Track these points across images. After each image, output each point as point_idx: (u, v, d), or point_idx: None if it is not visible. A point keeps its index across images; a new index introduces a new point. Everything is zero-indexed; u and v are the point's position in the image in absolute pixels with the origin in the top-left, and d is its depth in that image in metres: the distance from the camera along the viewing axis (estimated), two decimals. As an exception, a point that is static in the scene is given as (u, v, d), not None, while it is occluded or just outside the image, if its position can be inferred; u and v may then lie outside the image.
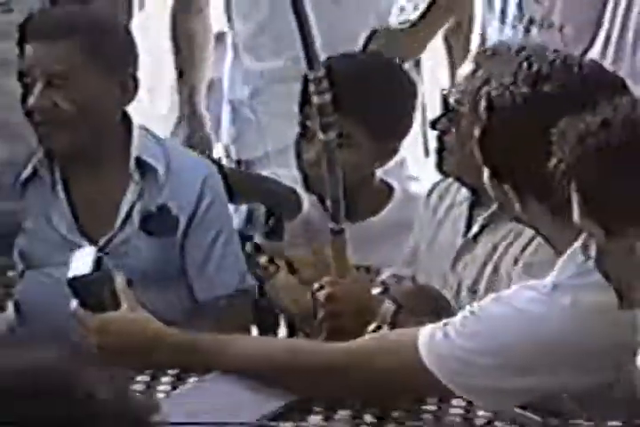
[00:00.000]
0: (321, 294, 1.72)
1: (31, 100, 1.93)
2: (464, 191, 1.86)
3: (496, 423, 1.56)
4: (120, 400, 1.05)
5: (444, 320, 1.55)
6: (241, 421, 1.56)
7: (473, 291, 1.82)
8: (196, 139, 2.70)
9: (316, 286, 1.74)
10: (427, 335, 1.55)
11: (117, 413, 1.04)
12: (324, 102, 1.63)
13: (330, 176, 1.68)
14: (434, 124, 1.78)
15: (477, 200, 1.84)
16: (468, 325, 1.49)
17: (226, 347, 1.60)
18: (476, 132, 1.59)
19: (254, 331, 2.12)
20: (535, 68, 1.59)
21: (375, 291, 1.77)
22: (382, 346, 1.59)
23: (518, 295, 1.51)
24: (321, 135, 1.65)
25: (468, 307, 1.55)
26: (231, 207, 2.12)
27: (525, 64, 1.61)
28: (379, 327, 1.74)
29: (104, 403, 1.04)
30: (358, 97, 1.99)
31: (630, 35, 2.55)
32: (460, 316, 1.52)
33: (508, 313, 1.48)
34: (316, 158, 1.91)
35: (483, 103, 1.57)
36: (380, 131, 2.07)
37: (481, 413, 1.55)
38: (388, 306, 1.73)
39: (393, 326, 1.74)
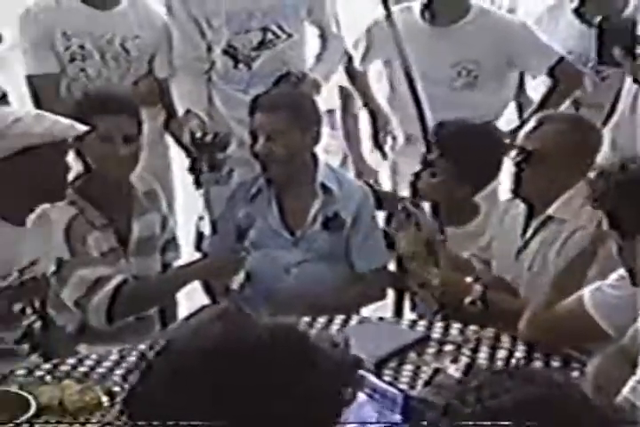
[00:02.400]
0: (433, 277, 2.55)
1: (257, 147, 2.91)
2: (522, 206, 2.67)
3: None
4: (337, 352, 1.31)
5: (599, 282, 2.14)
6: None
7: (531, 273, 2.58)
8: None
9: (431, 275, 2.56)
10: (589, 292, 2.14)
11: (336, 362, 1.28)
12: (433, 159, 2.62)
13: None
14: (519, 165, 2.57)
15: (531, 212, 2.66)
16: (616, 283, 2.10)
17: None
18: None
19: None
20: None
21: (469, 279, 2.55)
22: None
23: None
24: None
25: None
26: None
27: None
28: (472, 302, 2.51)
29: (325, 352, 1.29)
30: (460, 158, 2.87)
31: None
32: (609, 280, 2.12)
33: None
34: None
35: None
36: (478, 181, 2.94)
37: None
38: (478, 288, 2.53)
39: (482, 301, 2.49)
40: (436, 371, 2.19)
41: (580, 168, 2.53)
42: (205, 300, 3.11)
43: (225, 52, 3.36)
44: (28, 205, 2.46)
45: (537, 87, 3.64)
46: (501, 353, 2.32)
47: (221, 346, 1.25)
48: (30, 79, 3.37)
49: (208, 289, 3.09)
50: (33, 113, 2.46)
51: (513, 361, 2.26)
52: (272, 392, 1.21)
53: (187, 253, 3.13)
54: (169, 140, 3.56)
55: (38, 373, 2.21)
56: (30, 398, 1.81)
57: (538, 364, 2.24)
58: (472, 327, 2.44)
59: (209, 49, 3.36)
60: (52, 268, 2.61)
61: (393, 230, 2.91)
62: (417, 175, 2.98)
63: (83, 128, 2.43)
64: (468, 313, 2.47)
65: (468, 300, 2.48)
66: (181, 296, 3.02)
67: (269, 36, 3.35)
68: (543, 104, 3.46)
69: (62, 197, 2.52)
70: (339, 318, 2.53)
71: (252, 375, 1.21)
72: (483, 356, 2.32)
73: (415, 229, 2.75)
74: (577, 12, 3.61)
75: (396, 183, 3.61)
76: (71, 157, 2.55)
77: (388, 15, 3.26)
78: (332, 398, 1.27)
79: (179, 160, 3.49)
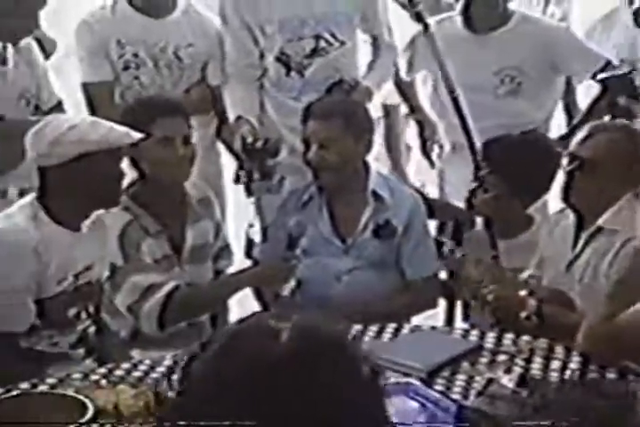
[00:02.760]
0: (487, 293, 2.50)
1: (309, 155, 2.92)
2: (572, 217, 2.61)
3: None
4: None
5: None
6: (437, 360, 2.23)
7: (582, 285, 2.54)
8: None
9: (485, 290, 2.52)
10: None
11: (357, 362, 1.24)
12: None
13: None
14: (571, 173, 2.54)
15: (580, 223, 2.60)
16: None
17: None
18: None
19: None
20: None
21: (522, 292, 2.50)
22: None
23: None
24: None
25: None
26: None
27: None
28: (528, 317, 2.46)
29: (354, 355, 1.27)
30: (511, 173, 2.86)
31: None
32: None
33: None
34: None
35: None
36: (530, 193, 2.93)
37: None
38: (533, 302, 2.47)
39: (538, 315, 2.44)
40: (490, 381, 2.17)
41: (631, 178, 2.53)
42: (256, 306, 3.13)
43: (277, 59, 3.38)
44: (84, 211, 2.50)
45: (587, 91, 3.64)
46: (555, 364, 2.30)
47: (254, 354, 1.25)
48: (86, 87, 3.42)
49: (259, 296, 3.10)
50: (89, 120, 2.50)
51: (567, 372, 2.23)
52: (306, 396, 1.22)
53: (237, 261, 3.14)
54: (221, 147, 3.58)
55: (93, 377, 2.23)
56: (87, 401, 1.82)
57: (593, 375, 2.22)
58: (525, 338, 2.42)
59: (261, 56, 3.38)
60: (106, 273, 2.64)
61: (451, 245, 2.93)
62: (472, 192, 2.96)
63: (137, 135, 2.46)
64: (524, 327, 2.45)
65: (523, 314, 2.46)
66: (233, 303, 3.04)
67: (322, 43, 3.36)
68: (591, 110, 3.45)
69: (117, 203, 2.56)
70: (390, 327, 2.53)
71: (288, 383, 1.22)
72: (536, 366, 2.30)
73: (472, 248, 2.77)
74: (636, 14, 3.59)
75: (445, 191, 3.61)
76: (125, 164, 2.57)
77: (426, 28, 3.27)
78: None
79: (230, 167, 3.51)
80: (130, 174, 2.78)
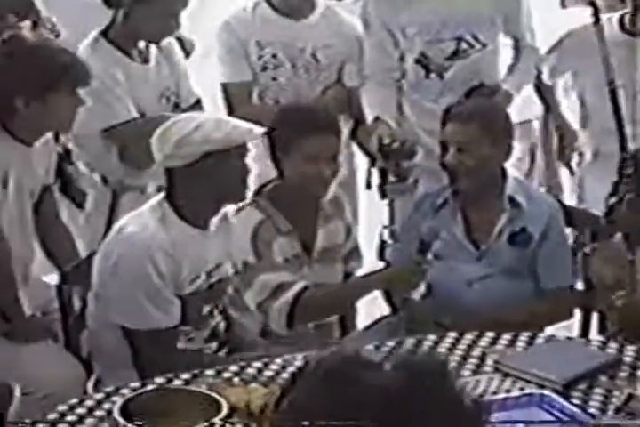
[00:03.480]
0: (617, 298, 2.47)
1: (447, 158, 2.86)
2: None
3: None
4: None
5: None
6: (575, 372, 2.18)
7: None
8: None
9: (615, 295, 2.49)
10: None
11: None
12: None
13: None
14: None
15: None
16: None
17: None
18: None
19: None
20: None
21: None
22: None
23: None
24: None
25: None
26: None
27: None
28: None
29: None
30: None
31: None
32: None
33: None
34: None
35: None
36: None
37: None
38: None
39: None
40: (630, 397, 2.10)
41: None
42: (385, 309, 3.10)
43: (417, 61, 3.35)
44: (211, 208, 2.52)
45: None
46: (698, 381, 2.21)
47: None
48: (225, 87, 3.45)
49: (389, 298, 3.07)
50: (213, 119, 2.51)
51: None
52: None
53: (368, 263, 3.13)
54: (354, 148, 3.57)
55: (226, 374, 2.25)
56: (221, 399, 1.83)
57: None
58: (667, 352, 2.34)
59: (401, 58, 3.36)
60: (232, 270, 2.66)
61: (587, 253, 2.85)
62: (610, 208, 2.82)
63: (260, 131, 2.46)
64: None
65: None
66: (361, 305, 3.02)
67: (463, 45, 3.33)
68: None
69: (244, 198, 2.57)
70: (524, 336, 2.48)
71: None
72: (679, 382, 2.21)
73: (607, 251, 2.66)
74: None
75: (582, 200, 3.51)
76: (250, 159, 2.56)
77: (597, 20, 3.19)
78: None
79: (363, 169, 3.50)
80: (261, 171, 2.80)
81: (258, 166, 2.86)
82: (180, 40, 3.49)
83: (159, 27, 3.18)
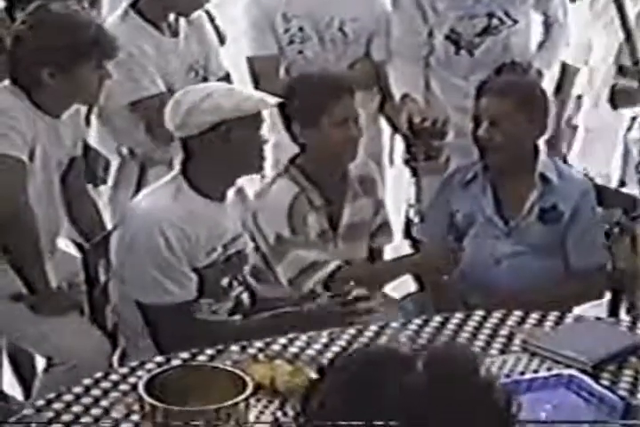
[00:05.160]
0: None
1: (479, 132, 2.80)
2: None
3: None
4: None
5: None
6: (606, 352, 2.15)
7: None
8: None
9: None
10: None
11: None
12: None
13: None
14: None
15: None
16: None
17: None
18: None
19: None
20: None
21: None
22: None
23: None
24: None
25: None
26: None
27: None
28: None
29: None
30: None
31: None
32: None
33: None
34: None
35: None
36: None
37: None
38: None
39: None
40: (660, 379, 2.07)
41: None
42: (413, 288, 3.09)
43: (447, 37, 3.29)
44: (227, 180, 2.52)
45: None
46: None
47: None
48: (251, 60, 3.41)
49: (417, 277, 3.05)
50: (223, 88, 2.51)
51: None
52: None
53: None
54: (383, 123, 3.53)
55: (251, 350, 2.24)
56: (246, 377, 1.81)
57: None
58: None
59: (430, 34, 3.30)
60: (252, 244, 2.63)
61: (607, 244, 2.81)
62: None
63: (273, 101, 2.43)
64: None
65: None
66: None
67: (495, 21, 3.26)
68: None
69: (260, 170, 2.55)
70: (553, 315, 2.45)
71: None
72: None
73: (631, 244, 2.61)
74: None
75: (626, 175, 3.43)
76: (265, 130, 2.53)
77: None
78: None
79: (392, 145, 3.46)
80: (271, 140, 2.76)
81: (275, 137, 2.84)
82: (209, 13, 3.45)
83: (188, 0, 3.13)
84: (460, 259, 2.64)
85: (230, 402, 1.69)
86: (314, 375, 2.00)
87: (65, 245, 2.90)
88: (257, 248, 2.73)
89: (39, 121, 2.62)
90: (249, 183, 2.73)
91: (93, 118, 3.16)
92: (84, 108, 2.89)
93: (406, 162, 3.01)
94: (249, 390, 1.74)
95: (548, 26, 3.41)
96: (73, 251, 2.86)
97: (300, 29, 3.35)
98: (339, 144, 2.73)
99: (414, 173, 2.87)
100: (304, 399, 1.23)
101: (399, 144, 3.39)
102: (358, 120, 2.76)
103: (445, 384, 1.18)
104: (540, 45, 3.41)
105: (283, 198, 2.71)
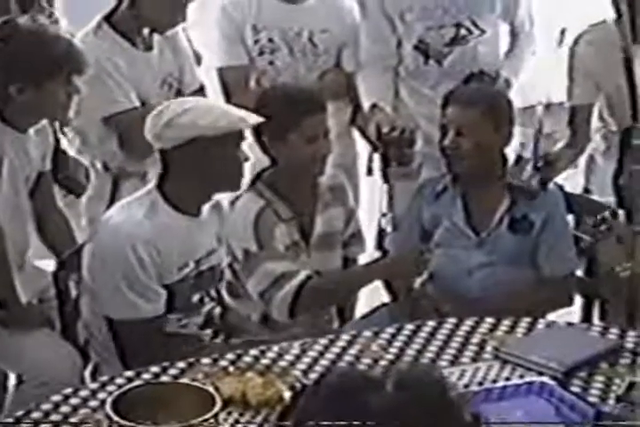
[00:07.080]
0: (622, 271, 2.43)
1: (445, 142, 2.81)
2: None
3: None
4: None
5: None
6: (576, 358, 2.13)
7: None
8: None
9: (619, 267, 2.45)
10: None
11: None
12: None
13: None
14: None
15: None
16: None
17: None
18: None
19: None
20: None
21: None
22: None
23: None
24: None
25: None
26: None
27: None
28: None
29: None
30: None
31: None
32: None
33: None
34: None
35: None
36: None
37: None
38: None
39: None
40: (631, 385, 2.07)
41: None
42: (385, 297, 3.08)
43: (416, 47, 3.31)
44: (203, 196, 2.50)
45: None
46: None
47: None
48: (221, 72, 3.41)
49: (388, 286, 3.05)
50: (206, 104, 2.50)
51: None
52: None
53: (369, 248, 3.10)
54: (355, 134, 3.53)
55: (222, 363, 2.23)
56: (215, 393, 1.80)
57: None
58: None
59: (399, 44, 3.32)
60: (226, 258, 2.63)
61: (591, 240, 2.81)
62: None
63: (253, 120, 2.43)
64: None
65: None
66: (361, 293, 3.00)
67: (462, 31, 3.29)
68: None
69: (238, 187, 2.54)
70: (524, 321, 2.45)
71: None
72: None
73: (616, 241, 2.63)
74: None
75: (590, 183, 3.44)
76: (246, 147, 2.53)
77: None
78: None
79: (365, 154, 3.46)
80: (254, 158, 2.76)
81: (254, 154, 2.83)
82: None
83: (166, 17, 3.13)
84: (428, 260, 2.63)
85: (199, 419, 1.68)
86: (285, 388, 2.05)
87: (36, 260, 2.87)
88: (230, 264, 2.72)
89: (5, 136, 2.61)
90: (226, 197, 2.72)
91: (69, 130, 3.14)
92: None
93: (369, 171, 3.00)
94: (217, 407, 1.73)
95: (514, 35, 3.43)
96: (43, 266, 2.84)
97: (270, 40, 3.36)
98: (307, 160, 2.73)
99: (386, 179, 2.86)
100: (283, 412, 1.26)
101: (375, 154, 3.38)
102: (328, 135, 2.76)
103: (415, 406, 1.20)
104: (507, 54, 3.44)
105: (247, 213, 2.71)
